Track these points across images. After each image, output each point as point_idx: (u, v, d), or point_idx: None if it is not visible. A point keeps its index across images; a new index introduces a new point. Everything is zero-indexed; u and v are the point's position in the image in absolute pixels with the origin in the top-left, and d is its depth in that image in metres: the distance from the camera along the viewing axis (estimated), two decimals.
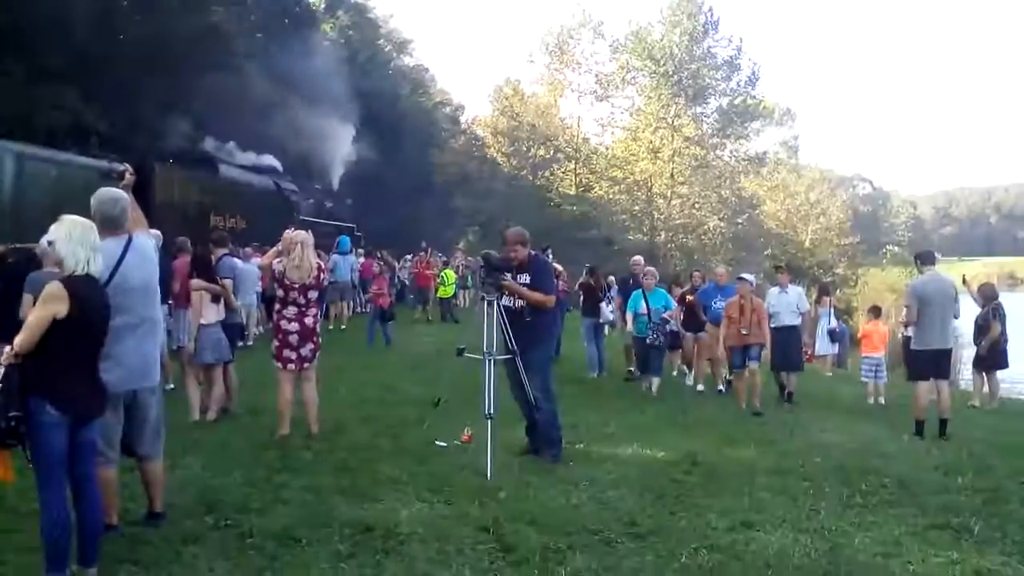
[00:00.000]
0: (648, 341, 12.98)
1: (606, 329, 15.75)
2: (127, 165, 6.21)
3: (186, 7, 27.65)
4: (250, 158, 31.22)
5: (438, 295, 24.91)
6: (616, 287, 15.56)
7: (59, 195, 15.86)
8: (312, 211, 31.71)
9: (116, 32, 27.13)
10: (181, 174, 22.31)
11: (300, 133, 36.53)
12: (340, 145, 39.81)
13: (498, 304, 7.84)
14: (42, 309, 4.59)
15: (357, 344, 17.53)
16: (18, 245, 10.94)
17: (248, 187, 26.65)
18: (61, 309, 4.56)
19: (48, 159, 16.71)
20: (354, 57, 45.81)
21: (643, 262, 14.75)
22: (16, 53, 23.96)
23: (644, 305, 13.15)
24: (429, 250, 26.84)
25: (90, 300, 4.75)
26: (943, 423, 10.19)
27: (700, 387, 13.77)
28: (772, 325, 12.58)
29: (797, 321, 13.23)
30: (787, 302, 13.15)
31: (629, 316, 13.53)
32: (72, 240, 4.75)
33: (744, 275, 12.73)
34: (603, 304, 14.95)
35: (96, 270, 4.85)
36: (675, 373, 15.06)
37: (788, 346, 12.97)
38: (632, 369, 14.50)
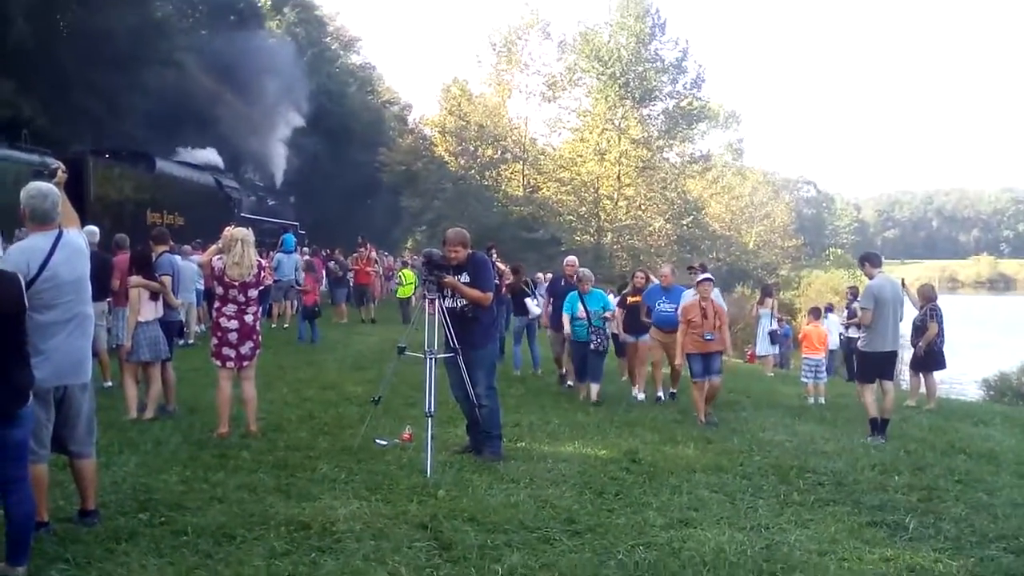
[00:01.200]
0: (592, 346, 11.97)
1: (536, 325, 15.40)
2: (59, 163, 6.07)
3: (128, 0, 27.27)
4: (193, 154, 30.96)
5: (397, 295, 24.42)
6: (544, 286, 15.55)
7: None
8: (253, 208, 31.65)
9: (55, 25, 26.72)
10: (117, 169, 22.03)
11: (243, 130, 36.28)
12: (281, 143, 39.59)
13: (439, 303, 7.84)
14: None
15: (300, 343, 17.41)
16: None
17: (187, 183, 26.37)
18: None
19: None
20: (300, 54, 45.53)
21: (577, 263, 13.90)
22: None
23: (582, 308, 12.10)
24: (367, 246, 25.98)
25: None
26: (884, 423, 10.31)
27: (641, 395, 12.77)
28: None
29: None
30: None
31: (566, 319, 12.40)
32: None
33: (706, 275, 11.92)
34: (528, 300, 14.71)
35: None
36: (624, 378, 14.22)
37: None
38: (564, 374, 13.79)
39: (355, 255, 25.70)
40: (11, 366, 4.69)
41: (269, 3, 50.74)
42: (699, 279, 11.59)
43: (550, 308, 13.87)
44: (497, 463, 7.75)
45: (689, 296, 11.79)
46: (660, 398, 12.63)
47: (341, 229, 44.67)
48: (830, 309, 20.40)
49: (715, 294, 11.85)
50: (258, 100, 37.59)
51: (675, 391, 12.87)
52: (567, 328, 12.40)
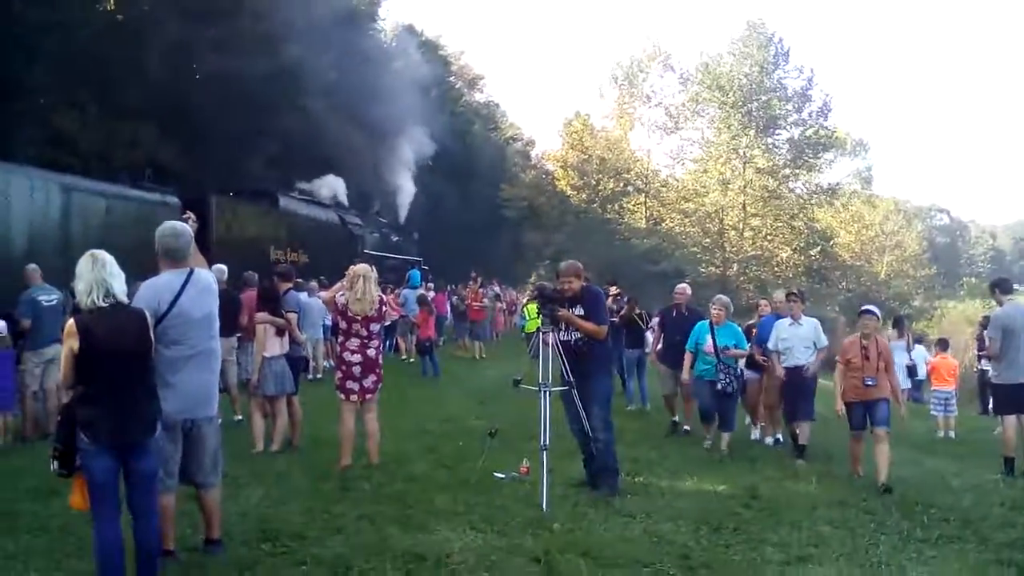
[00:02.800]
0: (719, 387, 10.59)
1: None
2: (191, 213, 6.33)
3: (260, 47, 28.22)
4: (317, 184, 31.50)
5: (524, 331, 24.28)
6: (656, 319, 14.26)
7: (110, 227, 15.97)
8: (377, 245, 31.82)
9: (191, 71, 27.83)
10: (240, 207, 22.04)
11: (369, 169, 36.93)
12: (408, 180, 40.14)
13: (554, 336, 7.89)
14: (64, 346, 4.90)
15: (424, 377, 17.66)
16: None
17: (310, 220, 26.41)
18: (75, 344, 4.79)
19: (96, 191, 16.58)
20: (425, 93, 46.38)
21: (688, 291, 13.05)
22: (95, 92, 24.78)
23: (710, 342, 10.76)
24: (478, 279, 25.95)
25: (104, 331, 4.87)
26: (1010, 460, 9.87)
27: (759, 436, 11.93)
28: (782, 364, 10.72)
29: (811, 359, 10.70)
30: (801, 336, 10.73)
31: (688, 356, 11.06)
32: (81, 277, 4.99)
33: (869, 307, 10.15)
34: (648, 334, 14.23)
35: (121, 294, 5.02)
36: (747, 422, 12.52)
37: (799, 389, 10.61)
38: (676, 420, 12.45)
39: (467, 290, 25.47)
40: (139, 399, 4.95)
41: (395, 44, 51.97)
42: (861, 311, 9.89)
43: (660, 343, 13.07)
44: (613, 498, 7.72)
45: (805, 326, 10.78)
46: (778, 440, 11.60)
47: (466, 265, 45.20)
48: (919, 340, 19.71)
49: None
50: (383, 139, 38.28)
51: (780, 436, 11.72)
52: (687, 366, 11.06)
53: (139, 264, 5.48)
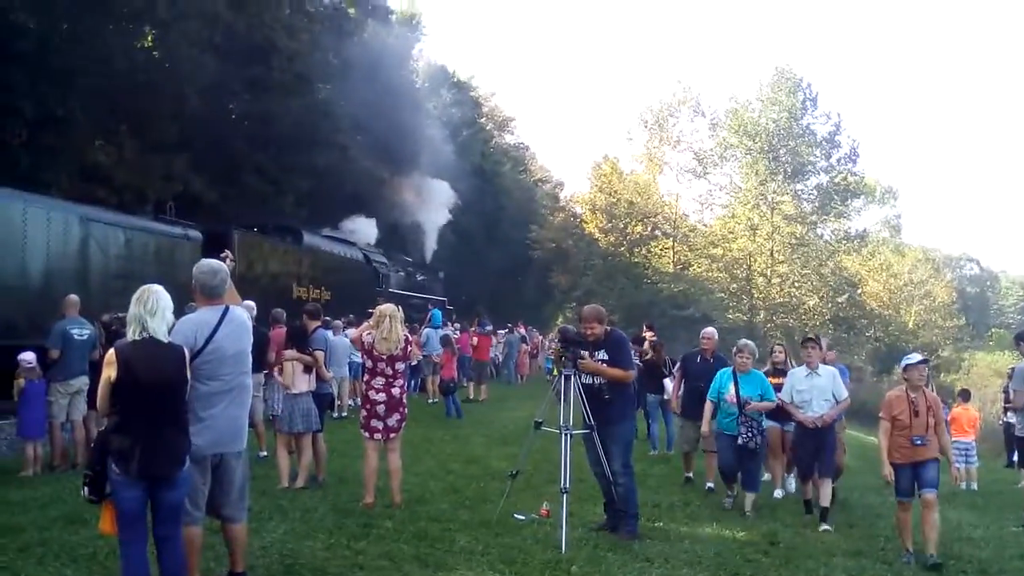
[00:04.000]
0: (740, 441, 9.60)
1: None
2: (229, 253, 6.50)
3: (294, 86, 28.65)
4: (346, 224, 31.68)
5: (553, 372, 23.79)
6: (676, 364, 13.62)
7: (130, 259, 16.21)
8: (402, 284, 31.87)
9: (226, 109, 28.27)
10: (263, 243, 22.08)
11: (397, 208, 37.21)
12: (434, 220, 40.36)
13: (575, 378, 7.99)
14: (103, 374, 5.07)
15: (447, 418, 17.77)
16: (120, 314, 11.53)
17: (334, 258, 26.21)
18: (113, 373, 4.98)
19: (116, 223, 16.43)
20: (456, 134, 46.82)
21: (716, 336, 12.13)
22: (131, 126, 25.21)
23: (733, 391, 9.75)
24: (477, 320, 24.80)
25: (141, 363, 5.04)
26: None
27: (777, 492, 11.08)
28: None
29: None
30: (820, 387, 9.48)
31: (709, 406, 10.13)
32: (131, 306, 5.17)
33: (916, 355, 8.85)
34: (667, 381, 13.88)
35: (160, 332, 5.16)
36: (766, 476, 11.43)
37: (818, 444, 9.37)
38: (690, 477, 11.73)
39: (472, 330, 24.21)
40: (171, 432, 5.11)
41: (427, 85, 52.56)
42: (908, 363, 8.54)
43: (680, 390, 12.24)
44: (632, 542, 7.78)
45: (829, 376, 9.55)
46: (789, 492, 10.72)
47: (491, 306, 45.37)
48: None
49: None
50: (411, 178, 38.63)
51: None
52: (707, 416, 10.18)
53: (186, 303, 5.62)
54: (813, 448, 9.36)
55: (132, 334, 5.10)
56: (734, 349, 10.25)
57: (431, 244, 40.23)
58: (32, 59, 21.85)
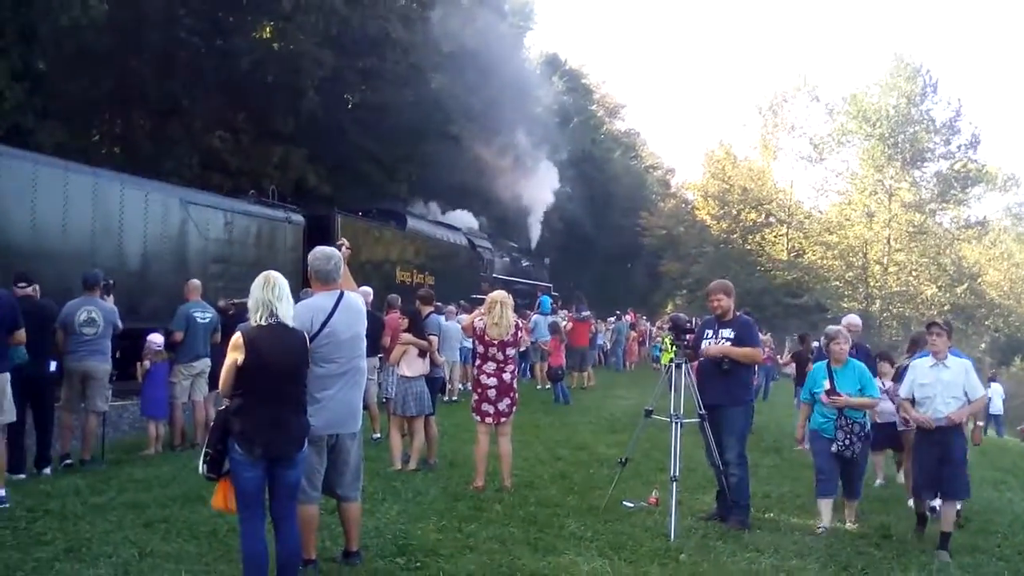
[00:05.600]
0: (835, 449, 8.03)
1: None
2: (344, 240, 6.63)
3: (407, 77, 28.96)
4: (447, 216, 31.84)
5: (662, 361, 23.54)
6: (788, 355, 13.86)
7: (230, 242, 16.34)
8: (506, 269, 31.89)
9: (342, 100, 28.75)
10: (365, 227, 21.83)
11: (504, 194, 37.34)
12: (541, 206, 40.35)
13: (687, 367, 7.97)
14: (228, 357, 5.22)
15: (556, 404, 17.86)
16: (236, 300, 11.89)
17: (437, 242, 25.96)
18: (239, 357, 5.13)
19: (215, 205, 16.44)
20: (567, 121, 46.76)
21: (860, 324, 10.72)
22: (250, 116, 25.87)
23: (828, 387, 8.18)
24: (575, 306, 24.01)
25: (268, 347, 5.19)
26: None
27: (879, 480, 10.56)
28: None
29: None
30: (947, 382, 7.71)
31: (803, 409, 8.82)
32: (254, 291, 5.31)
33: None
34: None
35: (287, 316, 5.32)
36: (877, 483, 10.72)
37: (943, 454, 7.62)
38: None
39: (569, 316, 23.44)
40: (291, 415, 5.27)
41: (539, 72, 52.61)
42: None
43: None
44: (742, 531, 7.72)
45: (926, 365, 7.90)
46: (934, 509, 8.22)
47: (600, 292, 45.24)
48: (993, 379, 18.99)
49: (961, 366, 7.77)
50: (520, 164, 38.66)
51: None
52: (801, 419, 8.97)
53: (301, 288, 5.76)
54: (936, 459, 7.62)
55: (259, 319, 5.25)
56: (823, 338, 8.96)
57: (536, 230, 40.21)
58: (158, 51, 22.57)
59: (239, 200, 17.76)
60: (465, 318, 12.47)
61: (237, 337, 5.23)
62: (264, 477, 5.23)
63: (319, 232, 18.46)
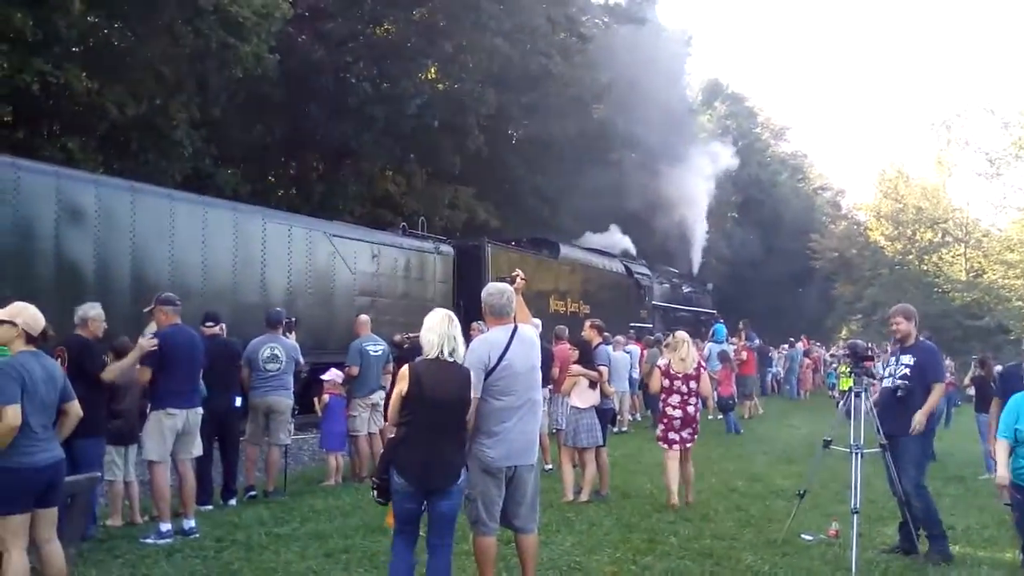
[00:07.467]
0: None
1: None
2: (519, 271, 6.77)
3: (570, 109, 29.22)
4: (602, 238, 31.60)
5: (840, 387, 22.55)
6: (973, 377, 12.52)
7: (378, 274, 16.40)
8: (667, 296, 31.42)
9: (506, 135, 29.25)
10: (517, 256, 20.95)
11: (666, 221, 37.06)
12: (702, 230, 39.87)
13: (866, 395, 7.76)
14: (396, 388, 5.52)
15: (728, 435, 17.63)
16: (411, 335, 12.22)
17: (593, 270, 25.52)
18: (404, 387, 5.37)
19: (362, 238, 16.47)
20: (732, 144, 46.36)
21: None
22: (419, 157, 26.61)
23: None
24: (743, 331, 23.21)
25: (431, 380, 5.39)
26: None
27: None
28: None
29: None
30: None
31: (1002, 445, 6.71)
32: (428, 328, 5.53)
33: None
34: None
35: (460, 354, 5.52)
36: None
37: None
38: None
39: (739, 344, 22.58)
40: (450, 448, 5.47)
41: (700, 98, 52.34)
42: None
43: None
44: (926, 564, 7.42)
45: None
46: None
47: (771, 318, 44.39)
48: None
49: None
50: (680, 191, 38.37)
51: None
52: (1002, 461, 6.70)
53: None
54: None
55: (436, 353, 5.45)
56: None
57: (697, 255, 39.73)
58: (329, 96, 23.48)
59: (386, 233, 17.96)
60: (633, 347, 12.51)
61: (404, 370, 5.49)
62: (419, 506, 5.44)
63: (469, 263, 18.74)
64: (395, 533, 5.51)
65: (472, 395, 5.57)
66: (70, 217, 11.29)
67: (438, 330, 5.50)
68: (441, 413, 5.41)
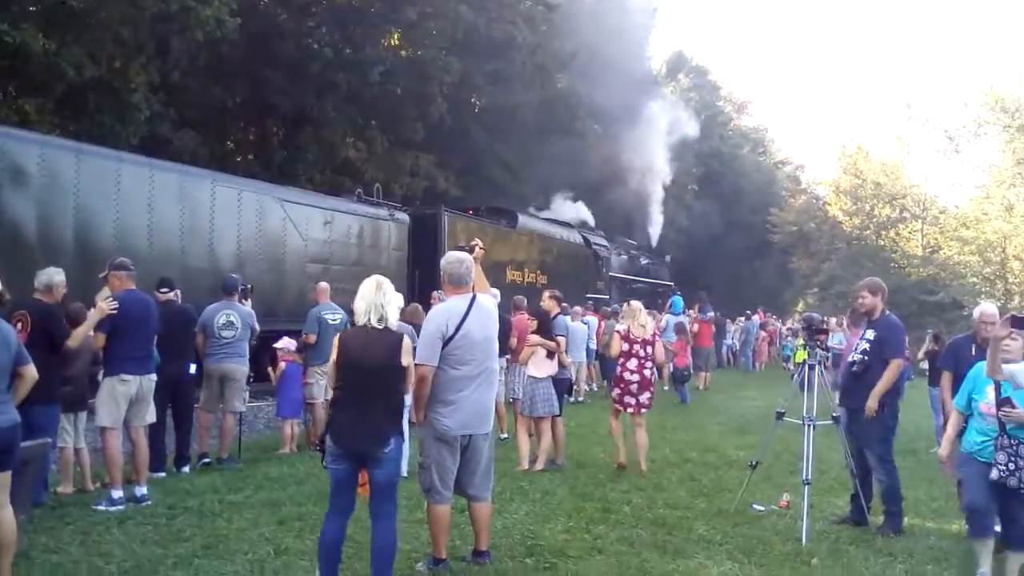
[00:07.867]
0: (995, 476, 5.95)
1: None
2: (478, 241, 6.72)
3: (533, 78, 29.10)
4: (559, 210, 31.56)
5: (794, 360, 23.01)
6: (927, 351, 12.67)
7: (331, 241, 16.28)
8: (624, 267, 31.49)
9: (469, 104, 29.07)
10: (474, 224, 20.94)
11: (624, 192, 37.10)
12: (660, 202, 39.95)
13: (820, 367, 7.82)
14: (331, 356, 5.54)
15: (684, 406, 17.76)
16: None
17: (550, 240, 25.29)
18: (334, 355, 5.43)
19: (315, 204, 16.37)
20: (692, 119, 46.46)
21: (998, 315, 7.92)
22: (381, 124, 26.41)
23: (991, 397, 6.13)
24: (699, 306, 23.13)
25: (358, 347, 5.42)
26: None
27: None
28: None
29: None
30: None
31: (954, 416, 6.69)
32: (359, 296, 5.52)
33: None
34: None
35: (392, 320, 5.50)
36: None
37: None
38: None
39: (693, 316, 22.59)
40: (377, 413, 5.43)
41: (664, 70, 52.32)
42: None
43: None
44: (875, 536, 7.51)
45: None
46: None
47: (729, 291, 44.69)
48: None
49: None
50: (641, 161, 38.40)
51: None
52: (950, 433, 6.66)
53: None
54: None
55: (364, 320, 5.44)
56: (980, 322, 8.06)
57: (656, 227, 39.79)
58: (290, 62, 23.22)
59: (340, 199, 17.80)
60: (592, 318, 12.55)
61: (336, 337, 5.59)
62: (351, 471, 5.44)
63: (425, 231, 18.65)
64: (330, 502, 5.53)
65: (404, 361, 5.50)
66: (11, 178, 11.11)
67: (368, 298, 5.47)
68: (368, 378, 5.39)
